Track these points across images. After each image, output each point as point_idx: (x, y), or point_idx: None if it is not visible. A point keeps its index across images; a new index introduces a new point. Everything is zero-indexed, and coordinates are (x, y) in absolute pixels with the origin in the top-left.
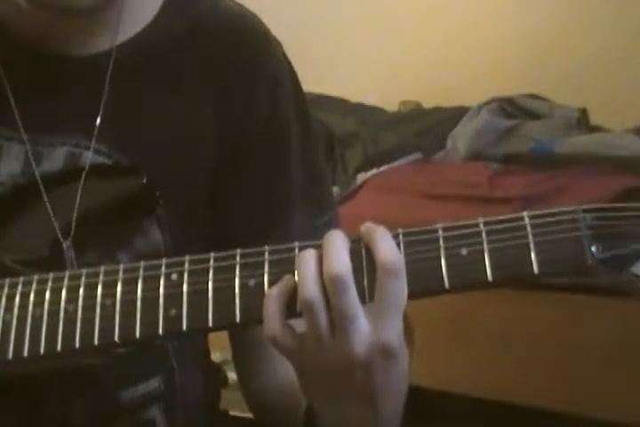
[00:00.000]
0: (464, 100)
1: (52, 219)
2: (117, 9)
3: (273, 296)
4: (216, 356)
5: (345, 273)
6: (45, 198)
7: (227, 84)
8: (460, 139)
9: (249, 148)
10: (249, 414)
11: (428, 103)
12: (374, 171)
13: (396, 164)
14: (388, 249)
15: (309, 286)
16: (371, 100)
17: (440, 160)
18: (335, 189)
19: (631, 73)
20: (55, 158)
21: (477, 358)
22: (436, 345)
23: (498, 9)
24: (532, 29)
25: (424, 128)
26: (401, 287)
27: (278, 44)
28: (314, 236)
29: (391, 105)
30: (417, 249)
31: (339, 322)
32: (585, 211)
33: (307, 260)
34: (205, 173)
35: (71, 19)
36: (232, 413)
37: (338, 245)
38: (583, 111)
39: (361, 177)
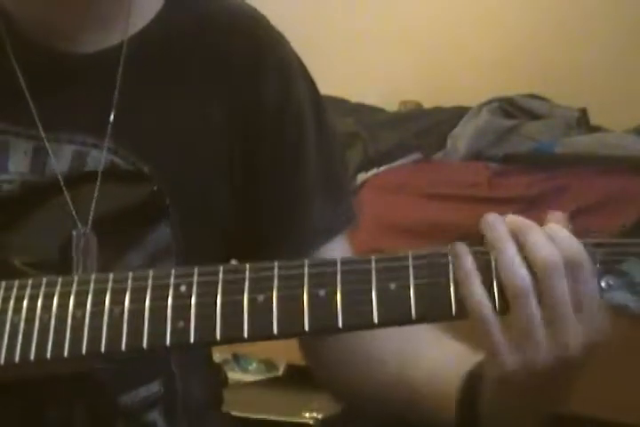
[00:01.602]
0: (464, 100)
1: (75, 217)
2: (125, 3)
3: (474, 273)
4: (216, 356)
5: (559, 262)
6: (68, 197)
7: (236, 76)
8: (460, 139)
9: (263, 133)
10: (249, 415)
11: (428, 103)
12: (374, 171)
13: (396, 164)
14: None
15: (522, 270)
16: (371, 100)
17: (440, 160)
18: None
19: (631, 73)
20: (62, 156)
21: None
22: None
23: (498, 9)
24: (532, 29)
25: (424, 128)
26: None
27: (286, 41)
28: (333, 227)
29: (391, 105)
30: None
31: (553, 315)
32: (595, 245)
33: (505, 243)
34: (219, 168)
35: (80, 9)
36: (232, 413)
37: (538, 232)
38: (583, 111)
39: (361, 177)
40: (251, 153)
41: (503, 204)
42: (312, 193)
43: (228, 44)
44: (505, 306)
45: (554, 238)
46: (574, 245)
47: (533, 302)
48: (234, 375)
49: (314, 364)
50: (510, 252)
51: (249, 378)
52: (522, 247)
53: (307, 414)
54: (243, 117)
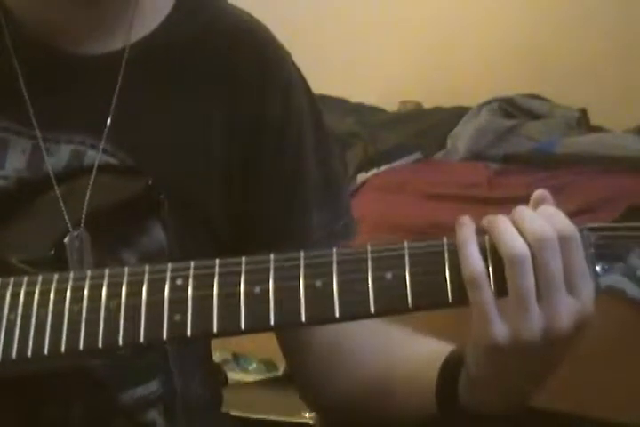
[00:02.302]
0: (464, 100)
1: (65, 215)
2: (129, 8)
3: (472, 238)
4: (216, 356)
5: (552, 235)
6: (59, 195)
7: (238, 87)
8: (460, 139)
9: (262, 150)
10: (249, 415)
11: (428, 103)
12: (374, 171)
13: (396, 164)
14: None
15: (519, 238)
16: (371, 100)
17: (440, 160)
18: None
19: (631, 73)
20: (61, 155)
21: None
22: None
23: (498, 9)
24: (531, 29)
25: (424, 128)
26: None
27: (288, 53)
28: (330, 241)
29: (391, 105)
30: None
31: (546, 288)
32: (589, 230)
33: (499, 219)
34: (216, 175)
35: (83, 10)
36: (232, 413)
37: (528, 210)
38: (583, 111)
39: (361, 177)
40: (250, 165)
41: (503, 204)
42: (310, 207)
43: (232, 56)
44: (500, 287)
45: (545, 215)
46: (566, 222)
47: (530, 271)
48: (234, 375)
49: (299, 366)
50: (506, 224)
51: (249, 378)
52: (516, 224)
53: (307, 415)
54: (243, 130)
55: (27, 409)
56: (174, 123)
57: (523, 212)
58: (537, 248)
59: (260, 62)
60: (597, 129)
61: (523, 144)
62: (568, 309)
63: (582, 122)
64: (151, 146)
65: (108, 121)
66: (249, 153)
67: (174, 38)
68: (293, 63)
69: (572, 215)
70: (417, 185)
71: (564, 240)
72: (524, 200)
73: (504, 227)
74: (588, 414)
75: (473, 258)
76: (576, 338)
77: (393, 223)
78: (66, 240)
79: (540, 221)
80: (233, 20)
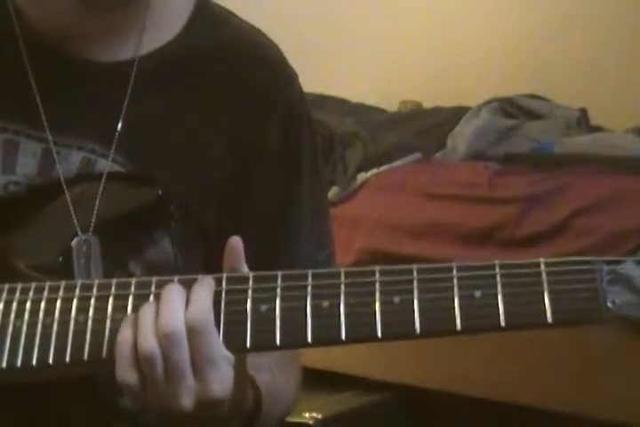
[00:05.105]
0: (464, 100)
1: (75, 222)
2: (141, 18)
3: (127, 337)
4: None
5: (179, 331)
6: (69, 202)
7: (243, 110)
8: (460, 139)
9: (259, 176)
10: None
11: (427, 103)
12: (374, 171)
13: (396, 164)
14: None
15: (150, 339)
16: (371, 100)
17: (440, 160)
18: (335, 189)
19: (631, 73)
20: (71, 162)
21: (478, 358)
22: (436, 345)
23: (498, 9)
24: (532, 29)
25: (424, 128)
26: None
27: (296, 76)
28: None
29: (391, 105)
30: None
31: (171, 377)
32: (604, 262)
33: (145, 312)
34: (217, 191)
35: (96, 16)
36: None
37: (172, 300)
38: (583, 111)
39: (361, 177)
40: (245, 188)
41: (503, 204)
42: (297, 238)
43: (243, 78)
44: None
45: (191, 300)
46: (201, 310)
47: (158, 363)
48: None
49: None
50: (145, 319)
51: None
52: (157, 312)
53: (307, 415)
54: (244, 152)
55: (28, 412)
56: (181, 136)
57: (167, 302)
58: (164, 344)
59: (268, 83)
60: (597, 129)
61: (523, 144)
62: (189, 391)
63: (582, 122)
64: (159, 159)
65: (118, 130)
66: (246, 175)
67: (188, 52)
68: (300, 87)
69: (571, 215)
70: (417, 185)
71: (192, 332)
72: (524, 200)
73: (144, 323)
74: (588, 414)
75: (122, 338)
76: (205, 414)
77: (393, 223)
78: (73, 243)
79: (174, 318)
80: (247, 38)
